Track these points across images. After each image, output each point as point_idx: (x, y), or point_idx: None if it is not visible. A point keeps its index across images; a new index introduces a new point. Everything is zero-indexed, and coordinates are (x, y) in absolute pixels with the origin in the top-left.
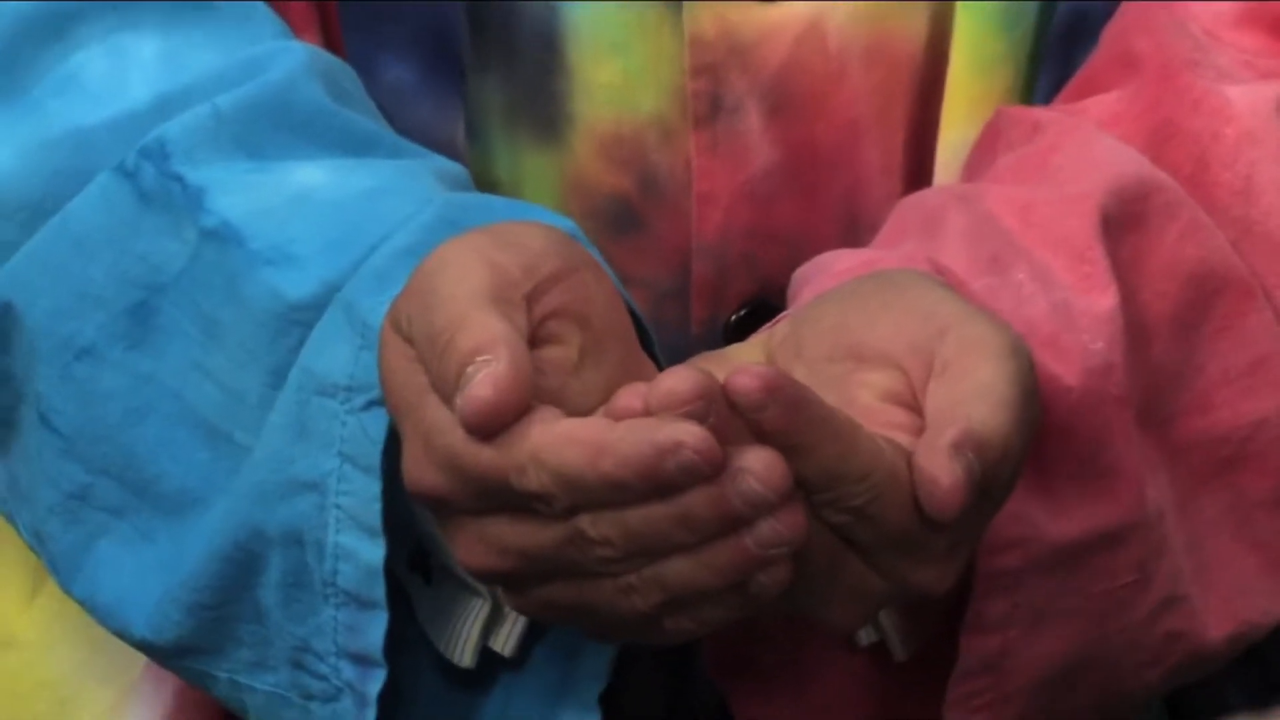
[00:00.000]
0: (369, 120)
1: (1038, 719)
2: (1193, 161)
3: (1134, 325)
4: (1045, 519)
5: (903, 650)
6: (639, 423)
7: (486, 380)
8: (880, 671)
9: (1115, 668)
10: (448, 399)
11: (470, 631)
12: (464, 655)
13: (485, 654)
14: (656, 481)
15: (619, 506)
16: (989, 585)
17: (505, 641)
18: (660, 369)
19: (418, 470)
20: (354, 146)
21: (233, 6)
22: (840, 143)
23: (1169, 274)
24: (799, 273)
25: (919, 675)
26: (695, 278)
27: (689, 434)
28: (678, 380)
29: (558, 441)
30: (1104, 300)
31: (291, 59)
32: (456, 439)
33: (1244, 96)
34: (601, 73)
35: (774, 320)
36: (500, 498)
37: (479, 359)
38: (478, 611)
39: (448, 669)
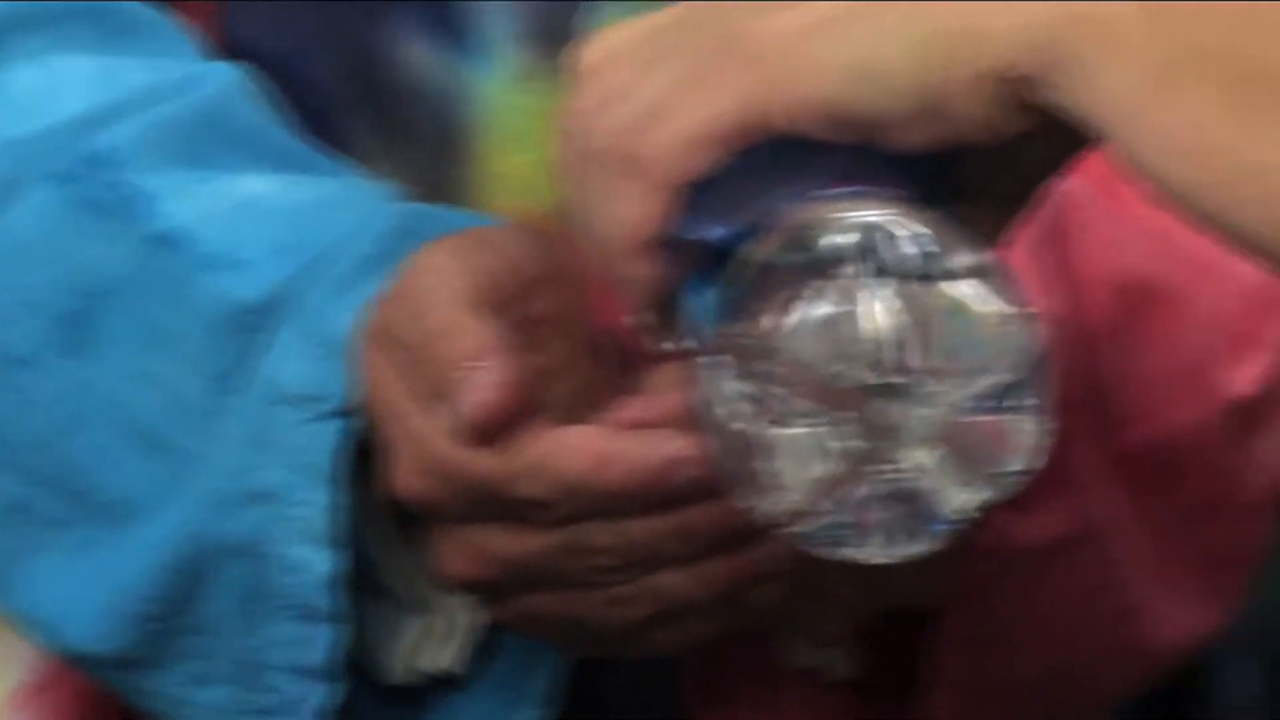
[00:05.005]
0: (305, 141)
1: None
2: (1106, 176)
3: (1075, 334)
4: (1013, 527)
5: (843, 670)
6: (648, 434)
7: (485, 386)
8: (844, 698)
9: (1078, 679)
10: (439, 405)
11: (407, 650)
12: (409, 673)
13: (433, 674)
14: (662, 494)
15: (619, 517)
16: (962, 597)
17: (452, 660)
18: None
19: (406, 476)
20: (294, 163)
21: (162, 32)
22: None
23: (1097, 284)
24: None
25: (881, 699)
26: None
27: (697, 448)
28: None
29: (563, 450)
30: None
31: (226, 77)
32: (448, 445)
33: None
34: (507, 163)
35: None
36: (493, 505)
37: (474, 364)
38: (426, 628)
39: (393, 688)
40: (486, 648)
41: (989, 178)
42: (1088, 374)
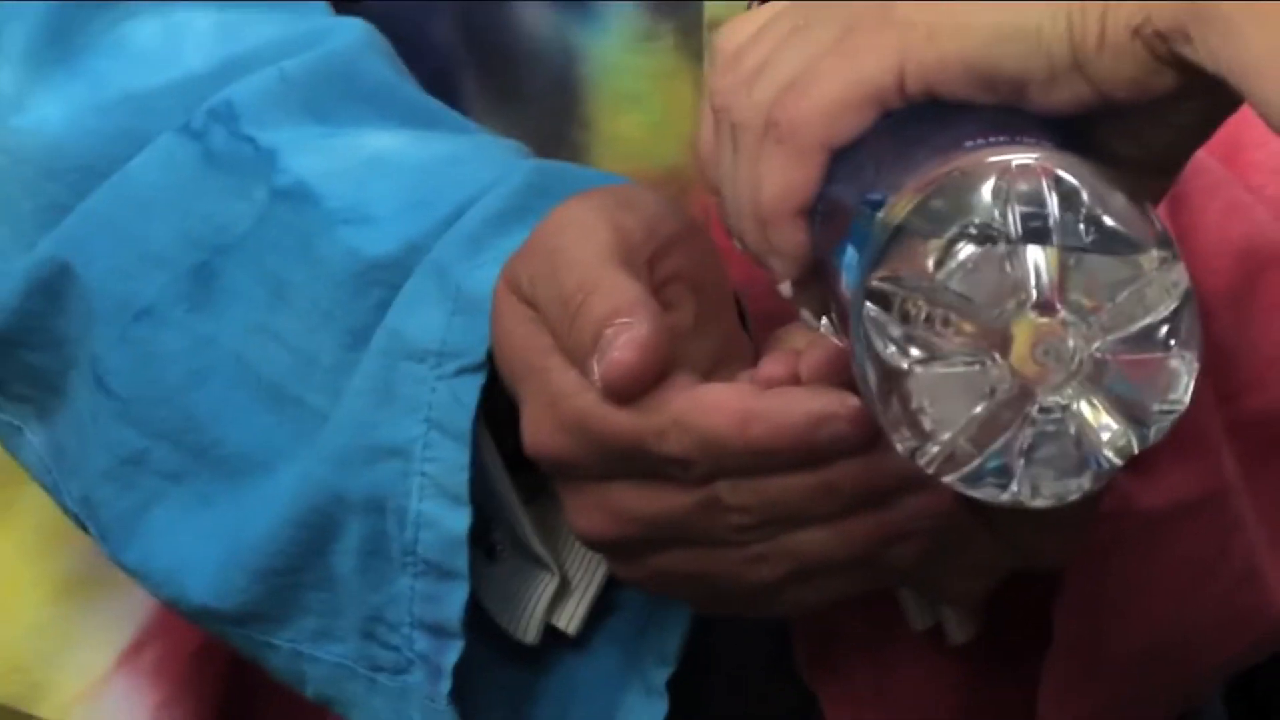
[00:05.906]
0: (431, 97)
1: (1124, 699)
2: (1226, 143)
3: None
4: (1135, 490)
5: (961, 634)
6: (791, 391)
7: (629, 343)
8: (957, 662)
9: (1197, 644)
10: (580, 361)
11: (536, 608)
12: (528, 632)
13: (549, 632)
14: (807, 451)
15: (761, 474)
16: (1083, 560)
17: (570, 619)
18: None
19: (540, 433)
20: (421, 119)
21: None
22: None
23: (1217, 251)
24: None
25: (994, 664)
26: None
27: (843, 405)
28: (830, 351)
29: (705, 407)
30: None
31: (351, 32)
32: (588, 402)
33: None
34: (620, 125)
35: None
36: (630, 462)
37: (618, 321)
38: (544, 587)
39: (509, 647)
40: (606, 606)
41: (1132, 146)
42: (1207, 340)
